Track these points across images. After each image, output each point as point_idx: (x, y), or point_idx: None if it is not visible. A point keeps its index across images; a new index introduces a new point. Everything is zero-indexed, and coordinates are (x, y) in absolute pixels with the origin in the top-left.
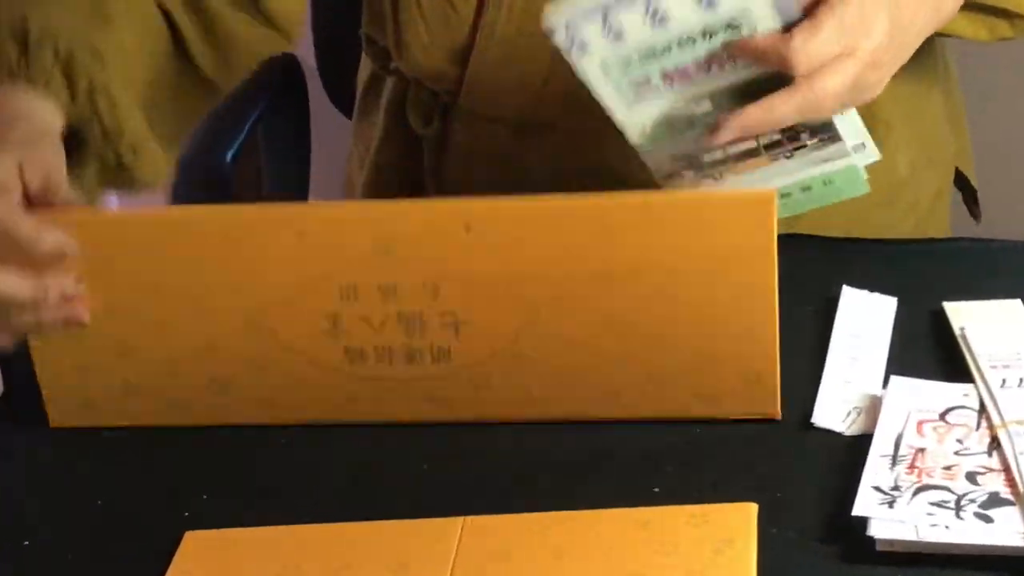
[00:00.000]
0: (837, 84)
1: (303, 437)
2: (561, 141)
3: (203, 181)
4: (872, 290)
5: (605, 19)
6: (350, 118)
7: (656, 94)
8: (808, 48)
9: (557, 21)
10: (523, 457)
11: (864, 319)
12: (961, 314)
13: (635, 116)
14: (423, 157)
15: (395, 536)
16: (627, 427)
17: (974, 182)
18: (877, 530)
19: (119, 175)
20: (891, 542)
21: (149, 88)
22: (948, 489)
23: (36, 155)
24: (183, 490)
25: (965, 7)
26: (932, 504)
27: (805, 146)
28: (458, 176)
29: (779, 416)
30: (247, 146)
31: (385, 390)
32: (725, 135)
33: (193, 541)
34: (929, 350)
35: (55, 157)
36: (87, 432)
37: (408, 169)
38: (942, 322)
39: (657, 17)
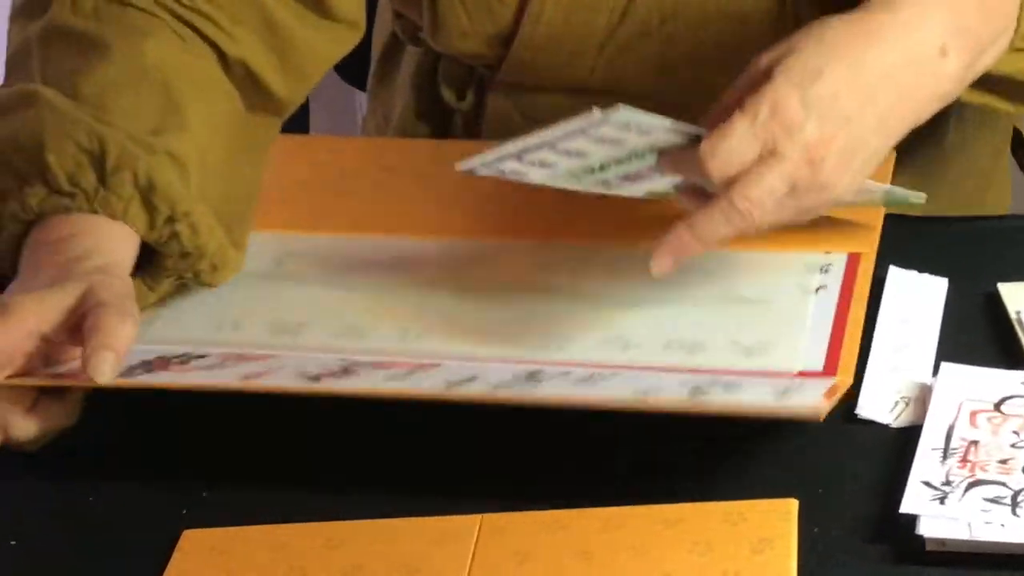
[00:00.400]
0: (763, 191)
1: (310, 432)
2: (612, 104)
3: None
4: (921, 271)
5: (521, 158)
6: (353, 86)
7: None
8: (718, 151)
9: (470, 164)
10: (544, 450)
11: (912, 302)
12: (1017, 296)
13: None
14: (451, 127)
15: (408, 535)
16: (657, 419)
17: None
18: (927, 528)
19: (189, 281)
20: (942, 541)
21: (227, 157)
22: (1004, 484)
23: (106, 281)
24: (181, 486)
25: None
26: (986, 500)
27: None
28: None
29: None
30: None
31: None
32: (661, 265)
33: (192, 540)
34: (983, 335)
35: (124, 286)
36: (80, 428)
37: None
38: (996, 305)
39: (571, 155)
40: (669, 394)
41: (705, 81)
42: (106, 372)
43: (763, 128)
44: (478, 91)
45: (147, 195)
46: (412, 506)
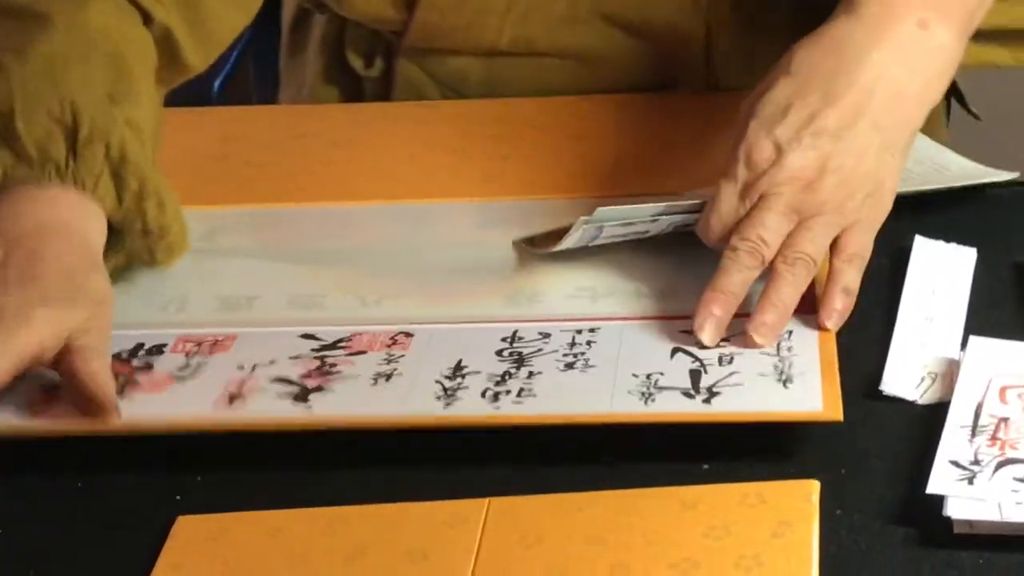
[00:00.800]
0: (758, 228)
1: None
2: (521, 66)
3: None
4: (948, 240)
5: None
6: None
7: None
8: (712, 226)
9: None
10: (554, 431)
11: (940, 273)
12: None
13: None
14: (362, 94)
15: (413, 520)
16: None
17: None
18: (954, 510)
19: (141, 260)
20: (970, 523)
21: (159, 128)
22: None
23: (102, 321)
24: (175, 470)
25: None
26: (1017, 480)
27: None
28: None
29: None
30: (235, 77)
31: None
32: (709, 334)
33: (186, 526)
34: (1013, 307)
35: (108, 327)
36: None
37: None
38: None
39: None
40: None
41: (614, 36)
42: (116, 422)
43: (744, 184)
44: (386, 57)
45: (118, 169)
46: (416, 490)
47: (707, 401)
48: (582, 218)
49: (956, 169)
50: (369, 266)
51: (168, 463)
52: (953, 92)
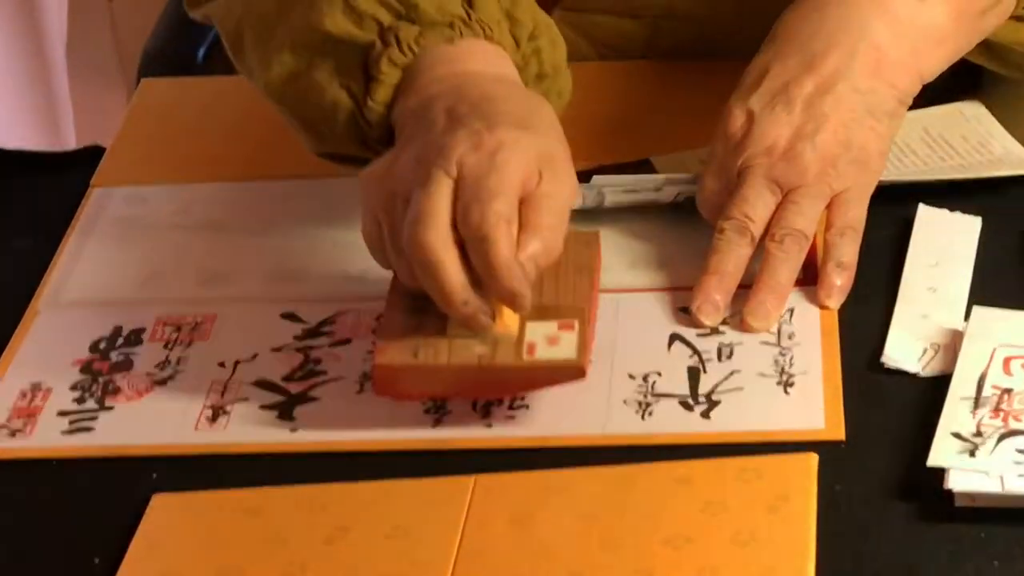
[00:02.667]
0: (742, 204)
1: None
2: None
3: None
4: (953, 209)
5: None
6: None
7: None
8: (704, 202)
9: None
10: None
11: (943, 242)
12: None
13: None
14: None
15: (396, 497)
16: None
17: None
18: (956, 482)
19: None
20: (972, 495)
21: None
22: None
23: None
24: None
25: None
26: (1020, 452)
27: None
28: None
29: None
30: (219, 45)
31: None
32: (708, 319)
33: (162, 504)
34: (1019, 277)
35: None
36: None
37: None
38: None
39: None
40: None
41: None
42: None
43: (720, 158)
44: None
45: (511, 10)
46: (400, 467)
47: (706, 414)
48: (580, 186)
49: (999, 151)
50: (352, 240)
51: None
52: None
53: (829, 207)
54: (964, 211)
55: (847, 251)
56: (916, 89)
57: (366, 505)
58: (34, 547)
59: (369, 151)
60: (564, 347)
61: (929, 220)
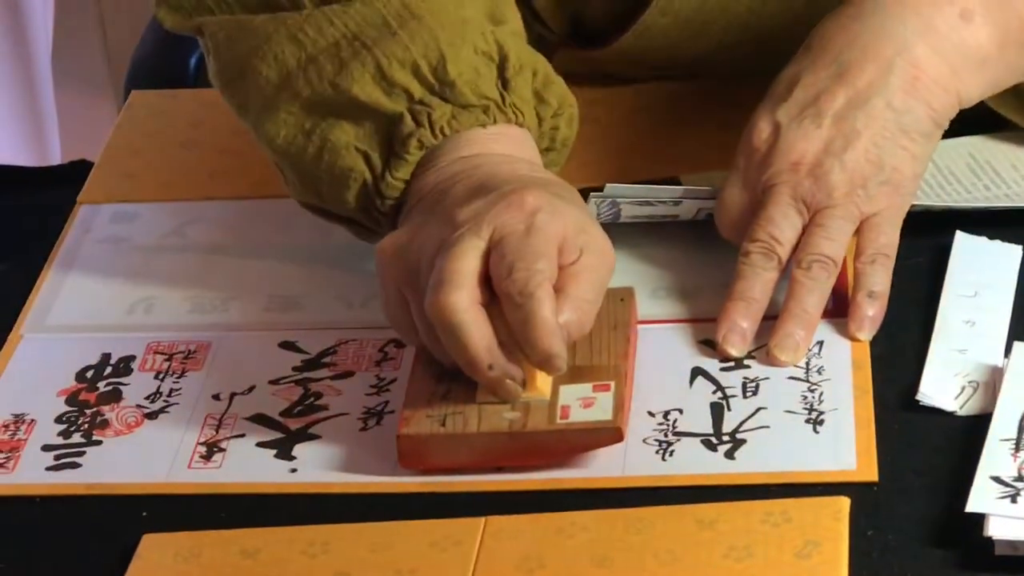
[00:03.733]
0: (767, 224)
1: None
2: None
3: (162, 86)
4: (992, 237)
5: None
6: None
7: None
8: (722, 219)
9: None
10: None
11: (982, 272)
12: None
13: None
14: None
15: (401, 540)
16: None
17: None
18: (996, 529)
19: None
20: (1014, 544)
21: None
22: None
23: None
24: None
25: None
26: None
27: None
28: None
29: None
30: None
31: None
32: (734, 349)
33: (152, 545)
34: None
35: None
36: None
37: None
38: None
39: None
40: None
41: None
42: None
43: (744, 172)
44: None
45: (542, 91)
46: (406, 507)
47: (730, 454)
48: (592, 194)
49: (1011, 184)
50: (352, 265)
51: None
52: None
53: (859, 232)
54: (1004, 239)
55: (879, 280)
56: (953, 112)
57: (370, 548)
58: None
59: (368, 219)
60: (600, 409)
61: (967, 248)
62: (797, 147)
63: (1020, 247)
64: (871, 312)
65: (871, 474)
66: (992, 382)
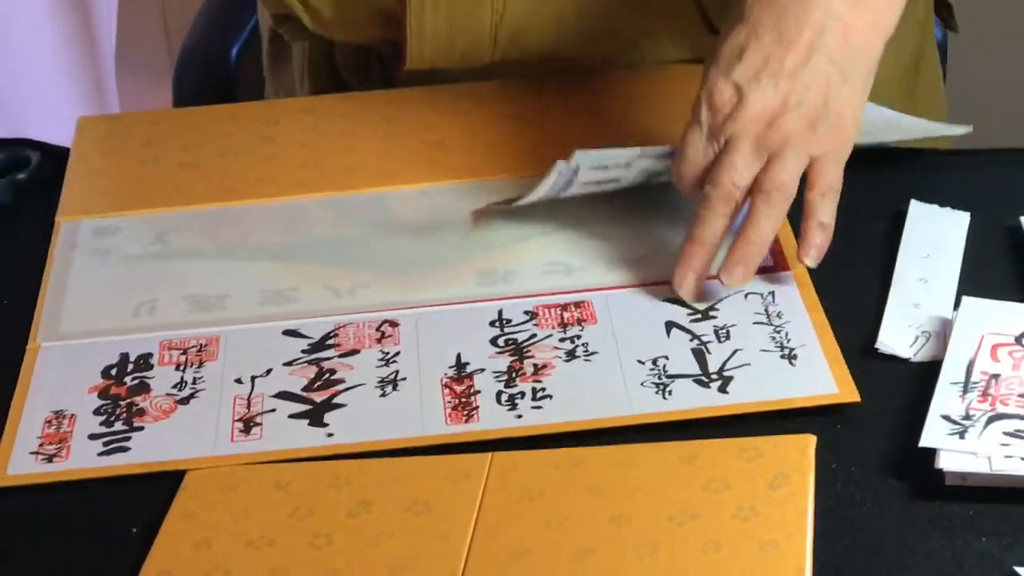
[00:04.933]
0: (727, 172)
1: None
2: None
3: (206, 74)
4: (943, 204)
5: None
6: None
7: None
8: (683, 172)
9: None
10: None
11: (934, 236)
12: None
13: None
14: None
15: (417, 474)
16: None
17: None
18: (946, 463)
19: None
20: (962, 475)
21: None
22: None
23: None
24: None
25: None
26: (1007, 434)
27: None
28: None
29: None
30: (252, 44)
31: None
32: (686, 284)
33: (196, 479)
34: (1005, 269)
35: None
36: None
37: None
38: (1019, 238)
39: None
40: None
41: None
42: None
43: (709, 128)
44: (384, 72)
45: None
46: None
47: (723, 389)
48: (559, 161)
49: (908, 123)
50: (332, 257)
51: None
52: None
53: (809, 169)
54: (953, 207)
55: (827, 212)
56: (880, 50)
57: (388, 481)
58: (78, 516)
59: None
60: None
61: (920, 215)
62: (759, 104)
63: (967, 214)
64: (819, 241)
65: (853, 395)
66: (943, 332)
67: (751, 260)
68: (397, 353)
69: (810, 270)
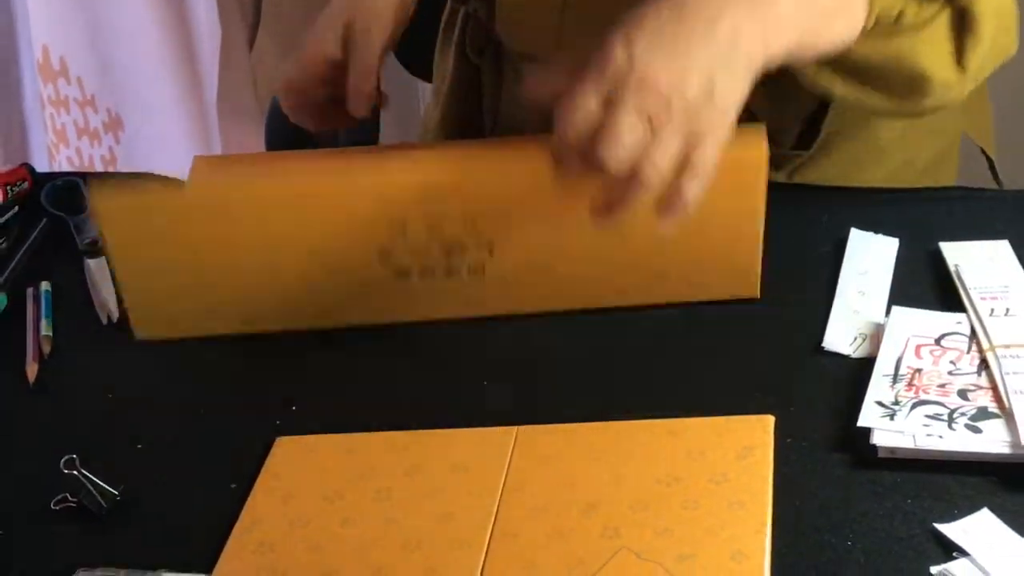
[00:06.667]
0: (615, 133)
1: (381, 362)
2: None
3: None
4: (877, 232)
5: None
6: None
7: None
8: (572, 120)
9: None
10: (569, 378)
11: (870, 257)
12: (955, 253)
13: None
14: (481, 84)
15: (458, 442)
16: (663, 353)
17: (989, 151)
18: (879, 439)
19: None
20: (891, 450)
21: None
22: (942, 404)
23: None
24: (275, 402)
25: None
26: (928, 417)
27: None
28: (511, 123)
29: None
30: None
31: (426, 297)
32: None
33: (283, 446)
34: (927, 284)
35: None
36: (192, 356)
37: (473, 107)
38: (939, 260)
39: None
40: None
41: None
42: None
43: (595, 83)
44: (496, 55)
45: None
46: (462, 420)
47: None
48: None
49: None
50: None
51: (269, 396)
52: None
53: (686, 149)
54: (886, 234)
55: (694, 191)
56: (762, 62)
57: (435, 447)
58: (183, 476)
59: None
60: None
61: (858, 240)
62: (649, 71)
63: (896, 240)
64: (677, 210)
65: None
66: (877, 334)
67: (615, 213)
68: None
69: (770, 284)
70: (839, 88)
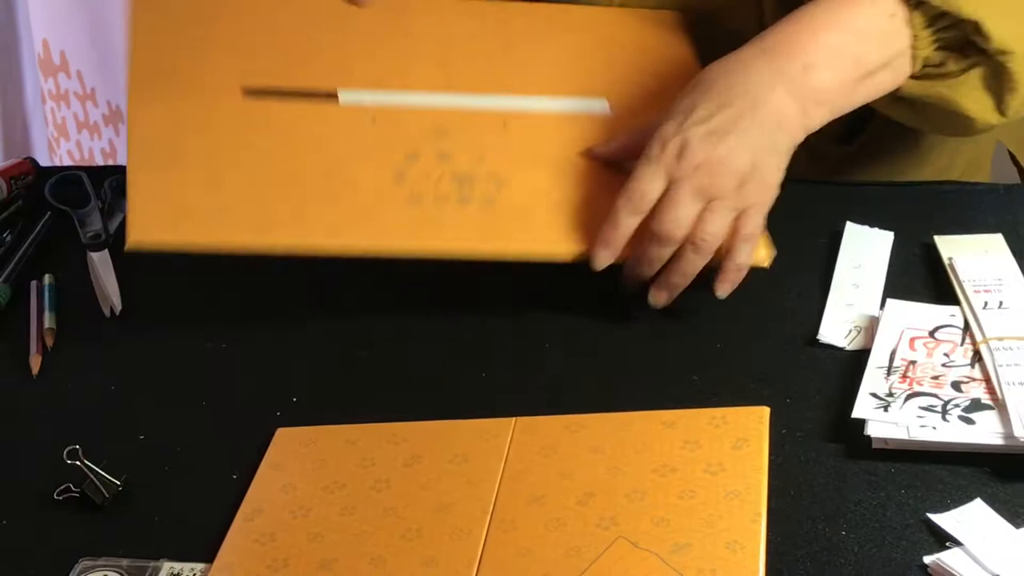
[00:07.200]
0: (671, 211)
1: (380, 354)
2: None
3: None
4: (872, 225)
5: None
6: None
7: None
8: (632, 195)
9: None
10: (568, 368)
11: (865, 250)
12: (949, 246)
13: None
14: None
15: (458, 433)
16: (659, 345)
17: (1020, 157)
18: (873, 430)
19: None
20: (885, 440)
21: None
22: (935, 396)
23: None
24: (275, 394)
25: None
26: (921, 408)
27: None
28: None
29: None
30: None
31: (438, 224)
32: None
33: (284, 436)
34: (921, 277)
35: None
36: (194, 347)
37: None
38: (933, 253)
39: None
40: None
41: None
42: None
43: (658, 162)
44: None
45: None
46: (460, 411)
47: None
48: None
49: None
50: None
51: (270, 388)
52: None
53: (736, 218)
54: (881, 227)
55: (745, 255)
56: (803, 135)
57: (434, 438)
58: (187, 464)
59: None
60: None
61: (854, 233)
62: (700, 155)
63: (891, 233)
64: (734, 278)
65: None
66: (871, 327)
67: (675, 291)
68: None
69: (767, 272)
70: (888, 109)
